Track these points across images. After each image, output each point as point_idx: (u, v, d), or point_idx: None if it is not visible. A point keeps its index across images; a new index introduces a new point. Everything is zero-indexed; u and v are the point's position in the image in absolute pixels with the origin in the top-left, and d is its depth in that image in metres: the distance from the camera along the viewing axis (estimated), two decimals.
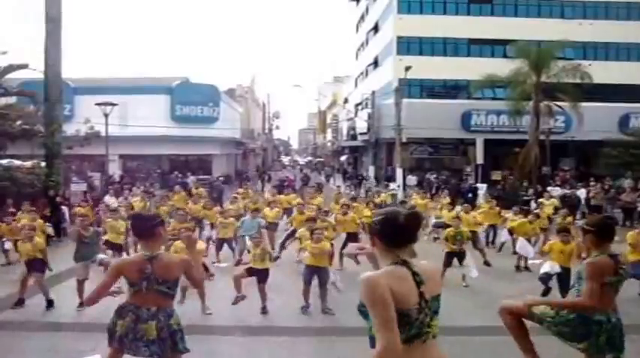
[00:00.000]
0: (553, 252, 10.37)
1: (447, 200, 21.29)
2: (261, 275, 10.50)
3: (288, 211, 19.61)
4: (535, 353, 5.42)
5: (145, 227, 5.25)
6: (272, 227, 16.59)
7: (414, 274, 3.25)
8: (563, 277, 9.97)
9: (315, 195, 22.27)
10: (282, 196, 21.86)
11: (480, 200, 24.92)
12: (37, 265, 10.73)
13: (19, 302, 10.61)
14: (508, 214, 17.44)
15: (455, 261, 12.81)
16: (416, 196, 23.73)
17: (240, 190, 25.05)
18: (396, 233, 3.35)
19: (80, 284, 10.49)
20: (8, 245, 14.85)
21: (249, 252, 11.71)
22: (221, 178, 39.93)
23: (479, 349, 8.61)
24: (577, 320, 5.18)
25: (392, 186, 34.70)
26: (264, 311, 10.42)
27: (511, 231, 16.35)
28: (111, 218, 14.24)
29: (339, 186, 33.88)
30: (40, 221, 15.09)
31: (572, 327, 5.19)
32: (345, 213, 15.35)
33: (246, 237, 14.32)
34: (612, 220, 5.69)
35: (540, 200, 21.66)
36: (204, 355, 7.80)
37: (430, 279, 3.31)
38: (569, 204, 24.13)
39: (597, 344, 5.15)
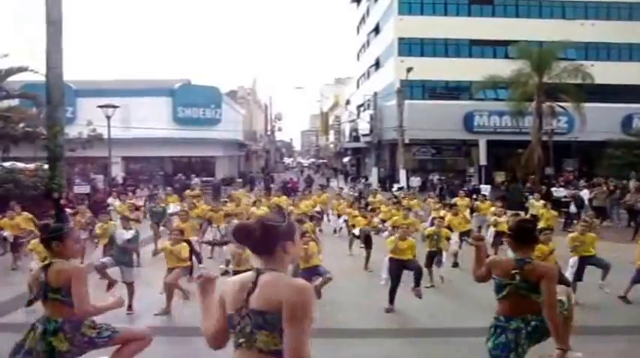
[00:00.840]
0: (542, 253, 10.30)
1: (437, 205, 20.96)
2: None
3: None
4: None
5: (46, 238, 5.22)
6: None
7: (254, 282, 3.13)
8: None
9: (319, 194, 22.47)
10: (275, 198, 21.91)
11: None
12: None
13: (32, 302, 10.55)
14: (494, 217, 17.22)
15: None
16: (406, 198, 23.67)
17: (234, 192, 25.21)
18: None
19: (100, 269, 10.71)
20: (8, 234, 15.12)
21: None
22: (218, 180, 39.97)
23: (469, 351, 8.60)
24: (498, 330, 5.18)
25: (396, 187, 34.67)
26: None
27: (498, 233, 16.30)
28: (102, 220, 14.35)
29: (341, 188, 33.84)
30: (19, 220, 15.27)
31: (499, 339, 5.16)
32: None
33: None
34: (531, 224, 5.64)
35: (530, 200, 21.48)
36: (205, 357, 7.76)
37: (269, 293, 3.06)
38: (574, 204, 24.05)
39: (521, 352, 5.12)
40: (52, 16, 20.66)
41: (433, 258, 12.80)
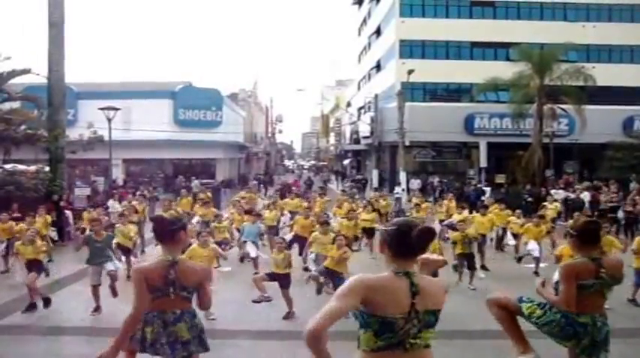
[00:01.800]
0: (564, 257, 10.27)
1: (453, 203, 20.91)
2: (284, 281, 10.47)
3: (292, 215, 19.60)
4: (527, 343, 5.37)
5: (167, 230, 5.20)
6: (272, 231, 16.60)
7: (412, 285, 3.28)
8: None
9: (318, 197, 22.27)
10: (287, 200, 21.66)
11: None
12: (36, 266, 10.74)
13: (31, 307, 10.52)
14: (511, 218, 17.32)
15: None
16: (416, 200, 23.54)
17: (242, 193, 25.00)
18: (406, 246, 3.39)
19: (95, 289, 10.49)
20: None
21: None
22: (218, 183, 39.99)
23: (484, 352, 8.60)
24: (563, 320, 5.16)
25: (397, 189, 34.65)
26: (290, 316, 10.38)
27: (515, 235, 16.32)
28: (120, 222, 14.25)
29: (344, 191, 33.79)
30: (39, 225, 15.05)
31: (560, 327, 5.17)
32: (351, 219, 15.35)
33: (249, 242, 14.36)
34: (596, 224, 5.61)
35: (544, 203, 21.49)
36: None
37: (429, 293, 3.33)
38: (574, 207, 24.05)
39: (581, 346, 5.13)
40: (54, 19, 20.79)
41: (465, 260, 12.79)
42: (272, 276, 10.52)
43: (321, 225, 12.83)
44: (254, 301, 10.50)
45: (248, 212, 16.79)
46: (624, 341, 9.20)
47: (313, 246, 12.36)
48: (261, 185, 44.38)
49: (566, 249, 10.38)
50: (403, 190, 34.66)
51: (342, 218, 16.59)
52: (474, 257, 13.03)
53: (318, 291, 11.00)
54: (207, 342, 5.32)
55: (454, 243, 13.01)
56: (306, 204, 19.62)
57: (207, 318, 10.16)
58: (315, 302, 10.38)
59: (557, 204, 21.67)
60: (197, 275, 5.16)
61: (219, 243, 14.96)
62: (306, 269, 13.31)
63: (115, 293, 10.64)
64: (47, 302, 10.56)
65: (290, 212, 19.34)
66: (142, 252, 17.12)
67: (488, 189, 31.87)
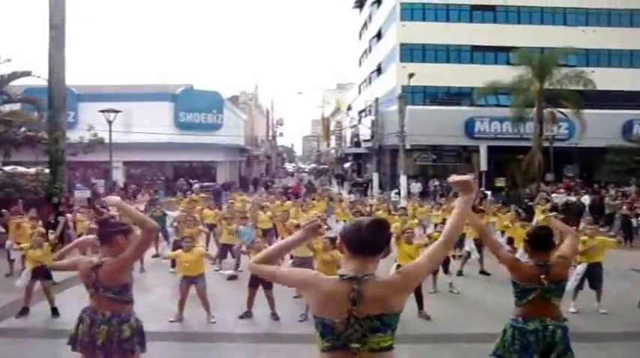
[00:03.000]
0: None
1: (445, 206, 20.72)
2: (266, 282, 10.25)
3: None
4: None
5: (106, 233, 5.25)
6: (269, 233, 16.49)
7: (353, 291, 3.13)
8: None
9: (318, 201, 22.22)
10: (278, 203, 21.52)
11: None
12: (44, 272, 10.66)
13: (24, 311, 10.51)
14: (506, 222, 17.02)
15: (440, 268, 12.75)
16: (415, 204, 23.44)
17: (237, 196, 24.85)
18: (359, 242, 3.25)
19: None
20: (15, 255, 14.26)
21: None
22: (217, 185, 39.99)
23: (468, 357, 8.62)
24: (514, 332, 5.28)
25: (392, 192, 34.67)
26: (274, 317, 10.42)
27: (511, 239, 16.31)
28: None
29: (349, 197, 33.73)
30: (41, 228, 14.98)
31: (517, 341, 5.26)
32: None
33: (243, 246, 14.33)
34: (547, 231, 5.74)
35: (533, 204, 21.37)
36: None
37: (374, 299, 3.14)
38: (574, 211, 24.01)
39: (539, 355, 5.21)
40: (55, 20, 20.81)
41: (447, 264, 12.68)
42: (254, 279, 10.35)
43: (296, 228, 12.76)
44: (240, 317, 10.52)
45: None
46: (624, 345, 9.26)
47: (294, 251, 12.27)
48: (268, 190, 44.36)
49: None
50: (397, 193, 34.62)
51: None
52: (448, 261, 12.85)
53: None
54: (136, 347, 5.26)
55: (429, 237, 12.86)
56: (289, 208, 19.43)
57: (208, 322, 10.21)
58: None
59: (544, 207, 21.12)
60: (121, 271, 5.14)
61: (228, 246, 14.94)
62: None
63: None
64: (55, 311, 10.48)
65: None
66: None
67: (489, 193, 31.83)
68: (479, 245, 14.71)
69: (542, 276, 5.23)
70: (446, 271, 12.72)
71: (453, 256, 12.71)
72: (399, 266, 10.85)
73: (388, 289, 3.21)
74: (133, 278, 5.41)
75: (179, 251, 10.86)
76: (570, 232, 5.87)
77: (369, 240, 3.23)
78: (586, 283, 11.10)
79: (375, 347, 3.15)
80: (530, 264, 5.42)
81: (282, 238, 14.37)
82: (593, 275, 10.99)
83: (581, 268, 11.04)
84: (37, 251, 10.76)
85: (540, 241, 5.48)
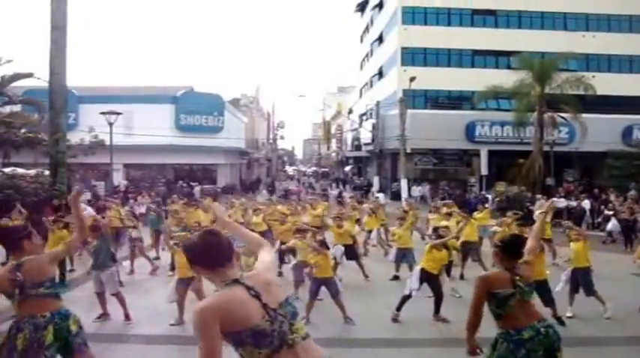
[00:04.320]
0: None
1: (445, 209, 20.56)
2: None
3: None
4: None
5: (11, 240, 5.25)
6: (265, 235, 16.38)
7: (248, 288, 3.16)
8: (541, 287, 9.69)
9: (318, 203, 22.17)
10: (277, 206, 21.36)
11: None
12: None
13: None
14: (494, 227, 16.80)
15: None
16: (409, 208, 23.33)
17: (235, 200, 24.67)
18: (211, 253, 3.26)
19: (100, 296, 10.47)
20: None
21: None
22: (218, 188, 40.06)
23: None
24: (510, 345, 5.22)
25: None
26: None
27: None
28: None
29: (352, 197, 33.63)
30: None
31: (514, 354, 5.22)
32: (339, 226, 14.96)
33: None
34: (520, 240, 5.86)
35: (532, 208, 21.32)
36: None
37: (267, 287, 3.21)
38: (575, 215, 24.03)
39: None
40: (56, 22, 20.79)
41: (449, 268, 12.59)
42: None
43: (299, 232, 12.76)
44: None
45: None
46: (624, 350, 9.25)
47: (298, 254, 12.25)
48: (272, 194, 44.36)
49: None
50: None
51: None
52: (450, 266, 12.79)
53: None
54: (84, 343, 5.25)
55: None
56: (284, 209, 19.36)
57: None
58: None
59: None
60: (45, 265, 5.11)
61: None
62: (279, 273, 13.21)
63: (123, 304, 10.60)
64: None
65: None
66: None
67: (490, 197, 31.84)
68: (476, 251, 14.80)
69: (517, 278, 5.27)
70: (448, 275, 12.69)
71: (451, 261, 12.64)
72: (422, 270, 10.82)
73: (265, 277, 3.31)
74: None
75: (179, 249, 10.75)
76: (535, 238, 5.93)
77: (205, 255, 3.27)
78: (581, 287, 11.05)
79: (303, 334, 3.20)
80: (500, 270, 5.49)
81: (280, 241, 14.35)
82: (584, 283, 10.91)
83: (566, 273, 11.06)
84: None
85: (514, 249, 5.53)
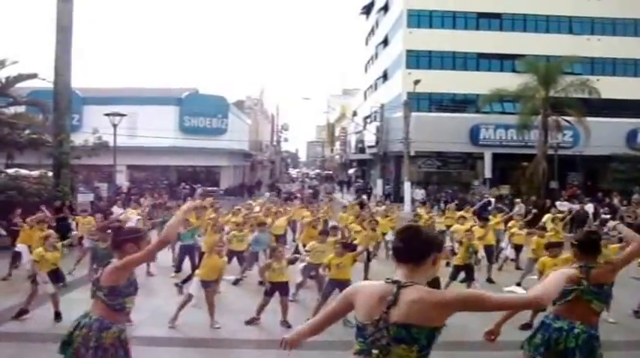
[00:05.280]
0: (546, 268, 10.07)
1: (457, 214, 20.50)
2: (283, 289, 10.41)
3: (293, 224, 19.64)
4: None
5: (117, 240, 5.35)
6: (281, 239, 16.36)
7: (392, 294, 3.12)
8: None
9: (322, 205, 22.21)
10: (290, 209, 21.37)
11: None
12: (57, 276, 10.68)
13: (22, 313, 10.37)
14: (514, 229, 16.93)
15: (462, 275, 12.64)
16: (421, 211, 23.30)
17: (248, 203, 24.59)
18: (393, 250, 3.37)
19: None
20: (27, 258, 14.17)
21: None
22: (220, 191, 40.05)
23: None
24: (541, 328, 5.40)
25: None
26: (286, 324, 10.17)
27: (516, 247, 16.20)
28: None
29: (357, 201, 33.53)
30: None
31: (541, 335, 5.37)
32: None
33: (260, 252, 14.23)
34: (596, 235, 5.84)
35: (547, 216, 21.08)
36: None
37: (411, 307, 3.07)
38: (579, 219, 23.90)
39: (552, 352, 5.27)
40: (61, 23, 20.81)
41: (460, 272, 12.53)
42: (272, 289, 10.35)
43: (321, 235, 12.70)
44: (247, 323, 10.44)
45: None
46: (627, 354, 9.19)
47: (310, 256, 12.18)
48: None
49: (547, 261, 10.25)
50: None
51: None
52: (472, 268, 12.80)
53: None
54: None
55: (453, 252, 12.69)
56: (308, 213, 19.44)
57: (212, 327, 10.16)
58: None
59: (549, 215, 20.72)
60: (118, 271, 5.14)
61: (235, 253, 14.67)
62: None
63: None
64: (58, 316, 10.31)
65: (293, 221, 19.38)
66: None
67: (492, 200, 31.63)
68: (490, 253, 14.75)
69: (582, 277, 5.27)
70: (472, 278, 12.63)
71: (467, 264, 12.63)
72: None
73: (428, 301, 3.11)
74: (131, 286, 5.36)
75: (213, 253, 10.69)
76: (634, 239, 5.76)
77: (399, 248, 3.27)
78: None
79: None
80: (576, 266, 5.45)
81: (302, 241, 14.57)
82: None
83: None
84: (56, 253, 10.76)
85: (589, 246, 5.55)
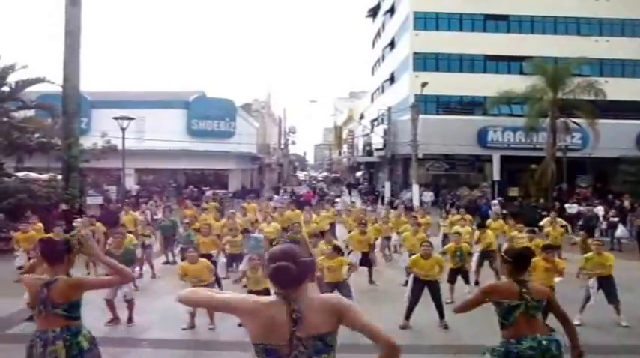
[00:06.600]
0: (537, 270, 10.09)
1: (457, 217, 20.38)
2: (265, 295, 10.35)
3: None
4: None
5: (54, 251, 5.30)
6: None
7: (295, 311, 3.12)
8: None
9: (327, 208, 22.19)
10: (288, 212, 20.91)
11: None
12: None
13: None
14: (514, 233, 16.70)
15: (460, 279, 12.74)
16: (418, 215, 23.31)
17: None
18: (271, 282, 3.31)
19: (109, 302, 10.47)
20: (21, 260, 14.05)
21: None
22: (229, 193, 40.09)
23: None
24: (509, 354, 5.28)
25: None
26: None
27: None
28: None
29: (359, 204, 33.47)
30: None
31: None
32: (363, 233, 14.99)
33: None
34: (529, 251, 6.07)
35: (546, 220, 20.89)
36: None
37: (312, 318, 3.14)
38: (587, 221, 23.80)
39: None
40: (70, 28, 20.89)
41: (457, 275, 12.63)
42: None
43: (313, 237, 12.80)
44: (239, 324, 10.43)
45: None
46: None
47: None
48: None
49: (539, 262, 10.24)
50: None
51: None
52: (467, 272, 12.81)
53: None
54: None
55: (443, 253, 12.63)
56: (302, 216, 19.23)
57: (208, 328, 10.20)
58: None
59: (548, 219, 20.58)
60: (75, 292, 5.18)
61: (234, 256, 14.72)
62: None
63: (131, 309, 10.71)
64: None
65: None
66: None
67: (495, 201, 31.36)
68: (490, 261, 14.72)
69: (524, 291, 5.30)
70: (467, 281, 12.70)
71: (459, 268, 12.63)
72: (416, 279, 10.84)
73: (325, 309, 3.21)
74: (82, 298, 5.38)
75: (184, 263, 10.88)
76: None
77: (274, 281, 3.25)
78: (598, 296, 10.96)
79: None
80: (509, 281, 5.47)
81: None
82: (607, 291, 10.85)
83: (592, 282, 10.91)
84: None
85: (522, 261, 5.60)
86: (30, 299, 5.25)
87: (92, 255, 5.39)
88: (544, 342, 5.21)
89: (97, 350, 5.37)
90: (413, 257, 11.45)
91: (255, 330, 3.17)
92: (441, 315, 10.62)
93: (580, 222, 24.07)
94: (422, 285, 10.75)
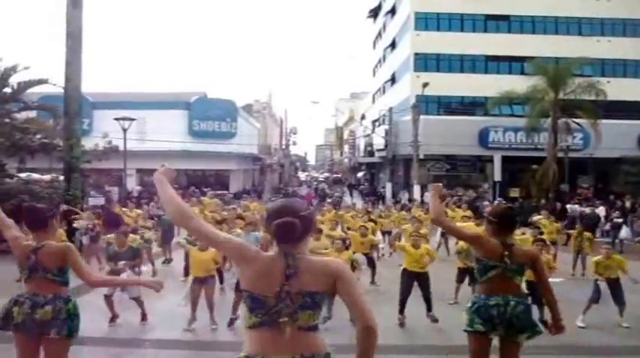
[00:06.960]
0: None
1: (468, 212, 20.40)
2: None
3: None
4: None
5: (38, 218, 5.43)
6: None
7: (288, 267, 3.18)
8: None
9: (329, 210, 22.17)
10: None
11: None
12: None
13: None
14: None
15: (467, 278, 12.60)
16: (416, 209, 23.46)
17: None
18: (272, 234, 3.32)
19: (108, 298, 10.43)
20: None
21: None
22: (231, 194, 40.05)
23: None
24: (476, 305, 5.43)
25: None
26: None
27: None
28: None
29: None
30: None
31: (477, 314, 5.39)
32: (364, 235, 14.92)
33: None
34: (513, 211, 6.05)
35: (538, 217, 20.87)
36: None
37: (308, 275, 3.21)
38: (589, 222, 23.79)
39: (497, 333, 5.37)
40: (71, 29, 20.89)
41: (465, 275, 12.28)
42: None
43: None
44: (228, 325, 10.42)
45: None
46: None
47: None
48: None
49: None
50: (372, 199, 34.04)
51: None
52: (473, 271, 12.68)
53: None
54: (74, 329, 5.35)
55: (458, 252, 12.49)
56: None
57: (210, 328, 10.19)
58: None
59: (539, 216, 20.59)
60: (61, 256, 5.28)
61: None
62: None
63: (141, 306, 10.67)
64: None
65: None
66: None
67: (496, 202, 31.25)
68: None
69: (506, 253, 5.32)
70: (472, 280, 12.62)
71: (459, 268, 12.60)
72: (404, 270, 10.88)
73: (324, 272, 3.27)
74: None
75: (194, 249, 10.60)
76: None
77: (277, 235, 3.26)
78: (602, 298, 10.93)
79: (303, 324, 3.20)
80: (497, 242, 5.44)
81: None
82: (616, 293, 10.81)
83: (602, 285, 10.87)
84: None
85: (507, 221, 5.58)
86: (17, 262, 5.36)
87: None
88: (512, 302, 5.29)
89: (79, 320, 5.46)
90: (403, 243, 11.49)
91: (248, 277, 3.26)
92: (429, 308, 10.66)
93: (578, 225, 24.03)
94: (411, 277, 10.76)
